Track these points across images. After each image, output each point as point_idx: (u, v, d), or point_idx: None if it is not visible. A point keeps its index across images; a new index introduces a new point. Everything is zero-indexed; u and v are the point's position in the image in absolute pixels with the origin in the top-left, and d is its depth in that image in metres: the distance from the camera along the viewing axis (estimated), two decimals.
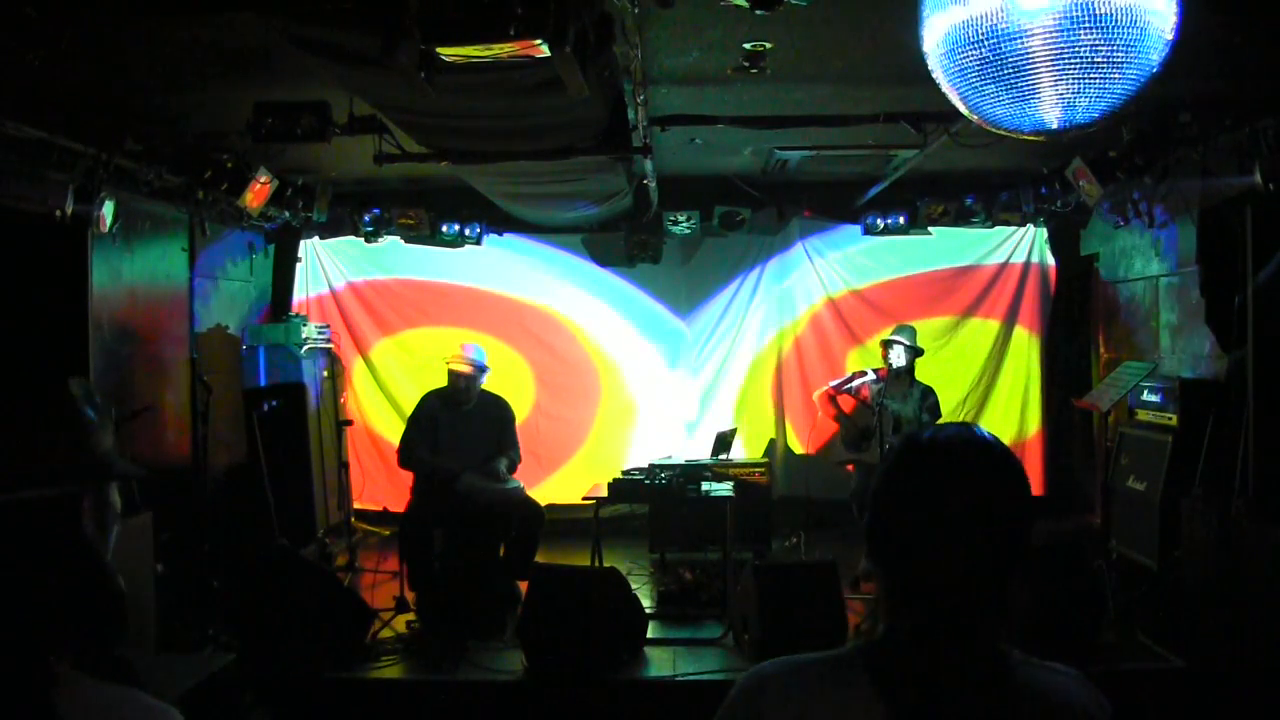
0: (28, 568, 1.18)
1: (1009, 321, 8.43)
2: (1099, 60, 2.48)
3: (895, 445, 1.36)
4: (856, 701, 1.24)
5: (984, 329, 8.42)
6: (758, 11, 3.46)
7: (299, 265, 8.21)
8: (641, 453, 7.94)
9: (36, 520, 1.20)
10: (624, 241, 8.00)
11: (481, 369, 6.34)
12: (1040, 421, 8.47)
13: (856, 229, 8.12)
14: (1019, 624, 4.91)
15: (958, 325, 8.40)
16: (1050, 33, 2.46)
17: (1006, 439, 8.29)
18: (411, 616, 5.60)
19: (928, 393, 6.37)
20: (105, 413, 1.42)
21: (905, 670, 1.24)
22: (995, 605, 1.26)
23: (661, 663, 5.02)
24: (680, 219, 7.80)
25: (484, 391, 6.44)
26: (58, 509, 1.24)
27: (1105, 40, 2.45)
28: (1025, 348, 8.47)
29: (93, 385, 1.37)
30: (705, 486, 6.20)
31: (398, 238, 8.08)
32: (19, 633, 1.16)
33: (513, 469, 6.32)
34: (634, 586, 5.42)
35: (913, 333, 6.51)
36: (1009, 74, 2.55)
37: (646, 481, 6.25)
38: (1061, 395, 8.20)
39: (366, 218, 7.86)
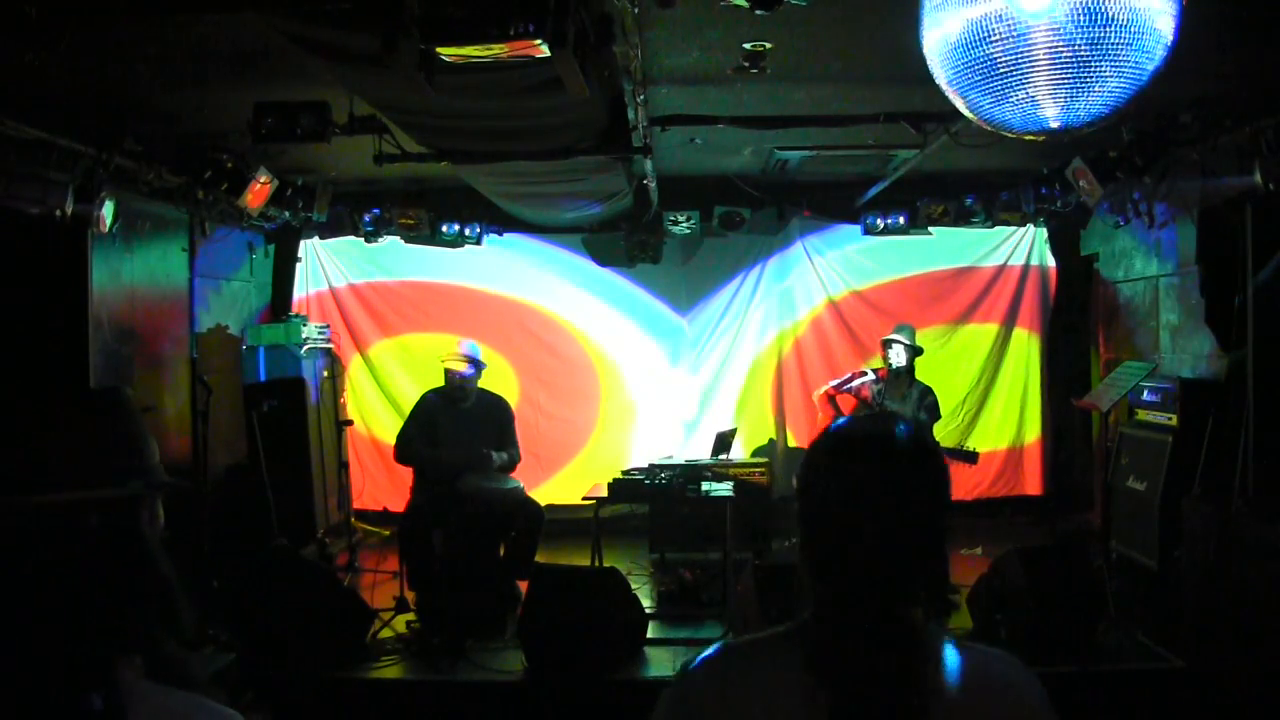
0: (91, 567, 1.17)
1: (1008, 323, 8.43)
2: (1099, 60, 2.48)
3: (822, 435, 1.41)
4: (786, 674, 1.28)
5: (983, 330, 8.43)
6: (758, 11, 3.46)
7: (299, 265, 8.21)
8: (641, 453, 7.95)
9: (96, 519, 1.20)
10: (624, 241, 8.00)
11: (478, 365, 6.34)
12: (1040, 422, 8.47)
13: (856, 229, 8.13)
14: (1019, 624, 4.91)
15: (957, 327, 8.40)
16: (1050, 33, 2.46)
17: (1006, 440, 8.43)
18: (411, 616, 5.60)
19: (926, 392, 6.37)
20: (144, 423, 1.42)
21: (828, 639, 1.28)
22: (913, 580, 1.31)
23: (661, 663, 5.02)
24: (680, 219, 7.80)
25: (483, 390, 6.44)
26: (116, 508, 1.24)
27: (1105, 40, 2.45)
28: (1025, 349, 8.47)
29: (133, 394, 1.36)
30: (705, 486, 6.20)
31: (398, 238, 8.08)
32: (86, 636, 1.14)
33: (511, 465, 6.32)
34: (634, 586, 5.42)
35: (912, 332, 6.50)
36: (1009, 74, 2.55)
37: (646, 481, 6.25)
38: (1061, 395, 8.20)
39: (366, 218, 7.86)
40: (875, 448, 1.34)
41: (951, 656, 1.31)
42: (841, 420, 1.43)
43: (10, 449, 1.15)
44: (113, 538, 1.21)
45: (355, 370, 8.41)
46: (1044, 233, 8.31)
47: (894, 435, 1.35)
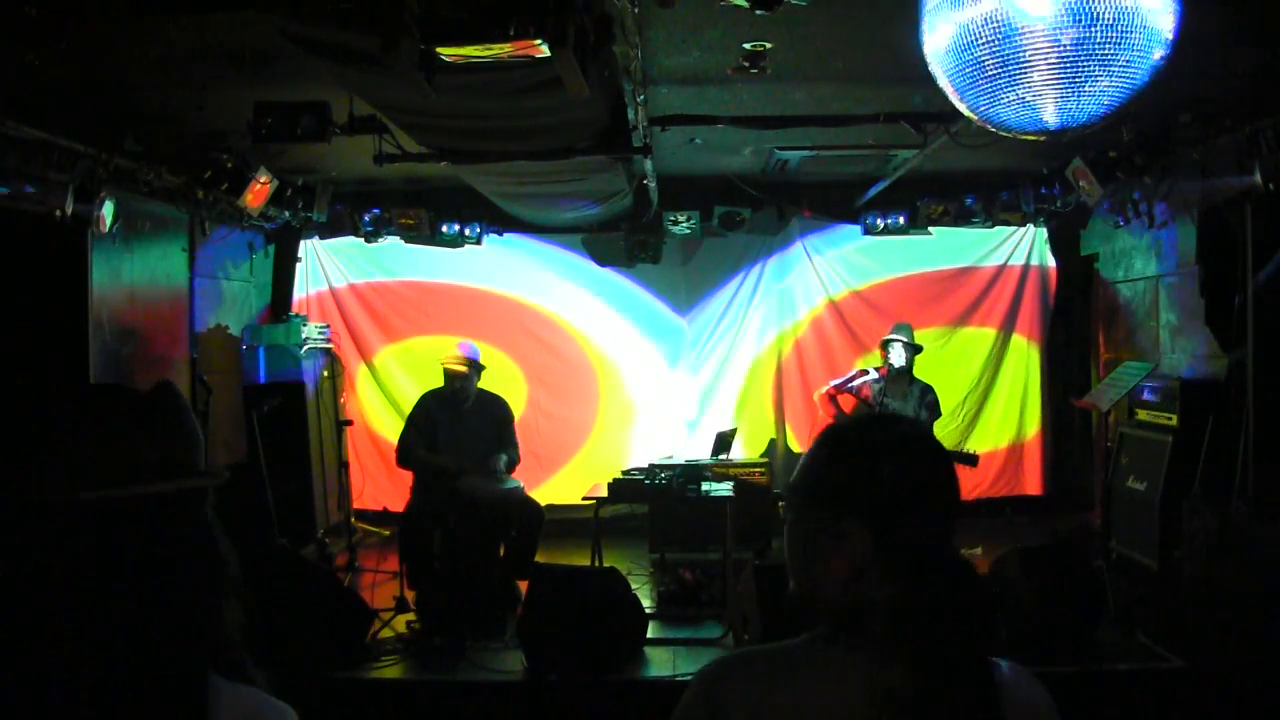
0: (166, 563, 1.16)
1: (1008, 323, 8.43)
2: (1099, 60, 2.48)
3: (828, 431, 1.41)
4: (830, 683, 1.26)
5: (981, 334, 8.43)
6: (758, 11, 3.46)
7: (299, 265, 8.21)
8: (641, 453, 7.95)
9: (166, 513, 1.19)
10: (624, 241, 8.00)
11: (477, 366, 6.34)
12: (1040, 423, 8.47)
13: (856, 229, 8.13)
14: (1019, 624, 4.91)
15: (957, 327, 8.40)
16: (1050, 33, 2.46)
17: (1006, 440, 8.43)
18: (411, 616, 5.59)
19: (926, 390, 6.37)
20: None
21: (888, 638, 1.25)
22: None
23: (661, 663, 5.02)
24: (680, 219, 7.80)
25: (482, 390, 6.44)
26: (183, 502, 1.23)
27: (1105, 41, 2.45)
28: (1024, 350, 8.47)
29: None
30: (705, 486, 6.19)
31: (398, 238, 8.08)
32: (173, 636, 1.13)
33: (512, 467, 6.31)
34: (634, 586, 5.41)
35: (910, 330, 6.50)
36: (1009, 74, 2.56)
37: (646, 481, 6.25)
38: (1061, 395, 8.20)
39: (366, 218, 7.86)
40: (922, 444, 1.38)
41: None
42: (865, 416, 1.45)
43: (81, 446, 1.14)
44: (190, 530, 1.21)
45: (356, 373, 8.41)
46: (1044, 233, 8.31)
47: (928, 434, 1.41)
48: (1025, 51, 2.50)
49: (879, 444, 1.35)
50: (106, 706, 1.07)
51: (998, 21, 2.51)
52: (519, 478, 6.38)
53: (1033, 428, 8.48)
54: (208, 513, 1.27)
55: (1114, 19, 2.43)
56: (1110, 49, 2.46)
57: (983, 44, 2.55)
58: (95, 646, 1.08)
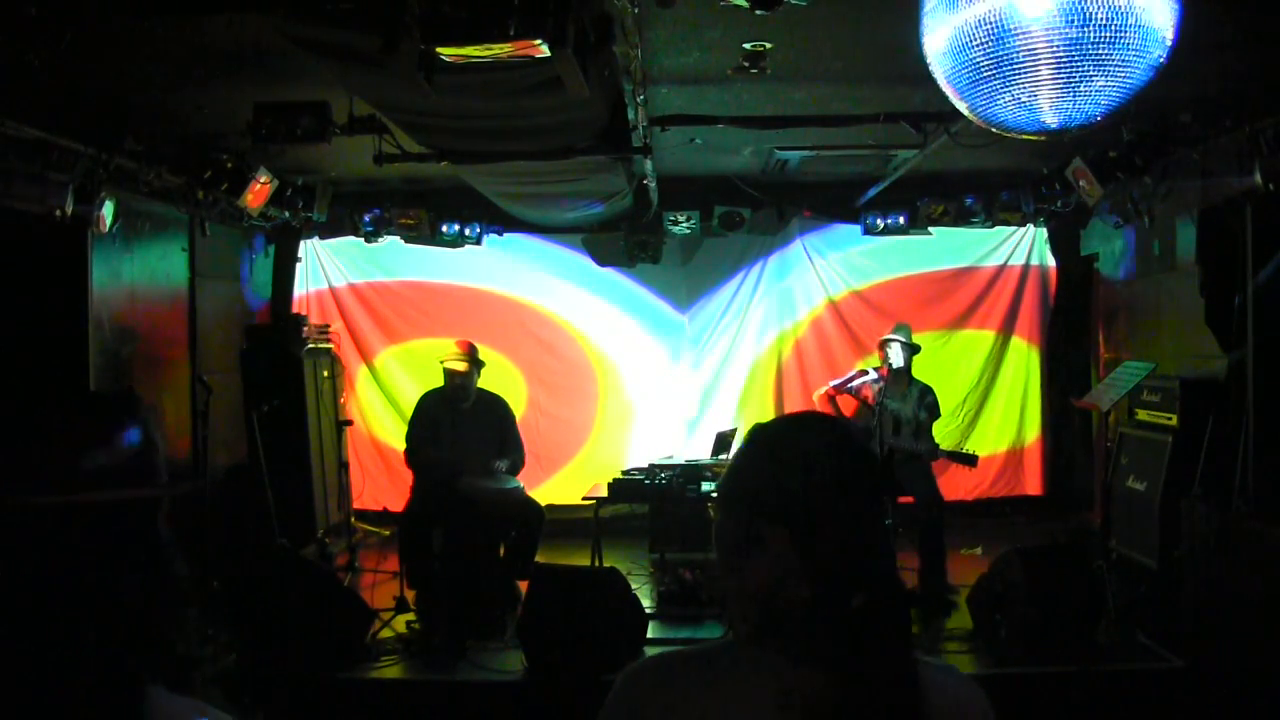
0: (112, 569, 1.15)
1: (1008, 323, 8.44)
2: (1099, 60, 2.48)
3: (753, 432, 1.40)
4: (744, 684, 1.25)
5: (981, 334, 8.42)
6: (758, 11, 3.46)
7: (299, 265, 8.22)
8: (642, 452, 7.94)
9: (116, 521, 1.19)
10: (624, 241, 7.99)
11: (477, 364, 6.34)
12: (1040, 424, 8.47)
13: (856, 229, 8.12)
14: (1019, 624, 4.91)
15: (957, 328, 8.40)
16: (1050, 33, 2.46)
17: (1006, 441, 8.42)
18: (411, 616, 5.60)
19: (925, 391, 6.37)
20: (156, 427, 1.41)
21: (804, 642, 1.24)
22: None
23: None
24: (680, 219, 7.80)
25: (482, 390, 6.44)
26: (135, 510, 1.23)
27: (1105, 41, 2.45)
28: (1024, 350, 8.48)
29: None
30: (705, 486, 6.19)
31: (398, 238, 8.07)
32: (111, 642, 1.13)
33: (515, 470, 6.31)
34: (634, 586, 5.41)
35: (908, 330, 6.50)
36: (1009, 74, 2.56)
37: (646, 481, 6.25)
38: (1061, 395, 8.20)
39: (366, 218, 7.86)
40: (846, 447, 1.34)
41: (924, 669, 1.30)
42: (792, 415, 1.44)
43: (36, 450, 1.14)
44: (139, 539, 1.21)
45: (356, 373, 8.41)
46: (1044, 233, 8.31)
47: (853, 436, 1.37)
48: (1022, 52, 2.50)
49: (800, 447, 1.32)
50: (38, 711, 1.07)
51: (994, 22, 2.51)
52: (519, 477, 6.38)
53: (1033, 428, 8.48)
54: (160, 525, 1.26)
55: (1108, 19, 2.43)
56: (1105, 49, 2.46)
57: (980, 44, 2.55)
58: (29, 651, 1.08)
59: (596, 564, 5.85)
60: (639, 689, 1.33)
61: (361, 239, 8.03)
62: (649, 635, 5.23)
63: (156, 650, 1.19)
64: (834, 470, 1.29)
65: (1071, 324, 8.24)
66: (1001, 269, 8.40)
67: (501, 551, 6.14)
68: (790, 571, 1.27)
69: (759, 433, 1.39)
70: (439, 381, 6.39)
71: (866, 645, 1.22)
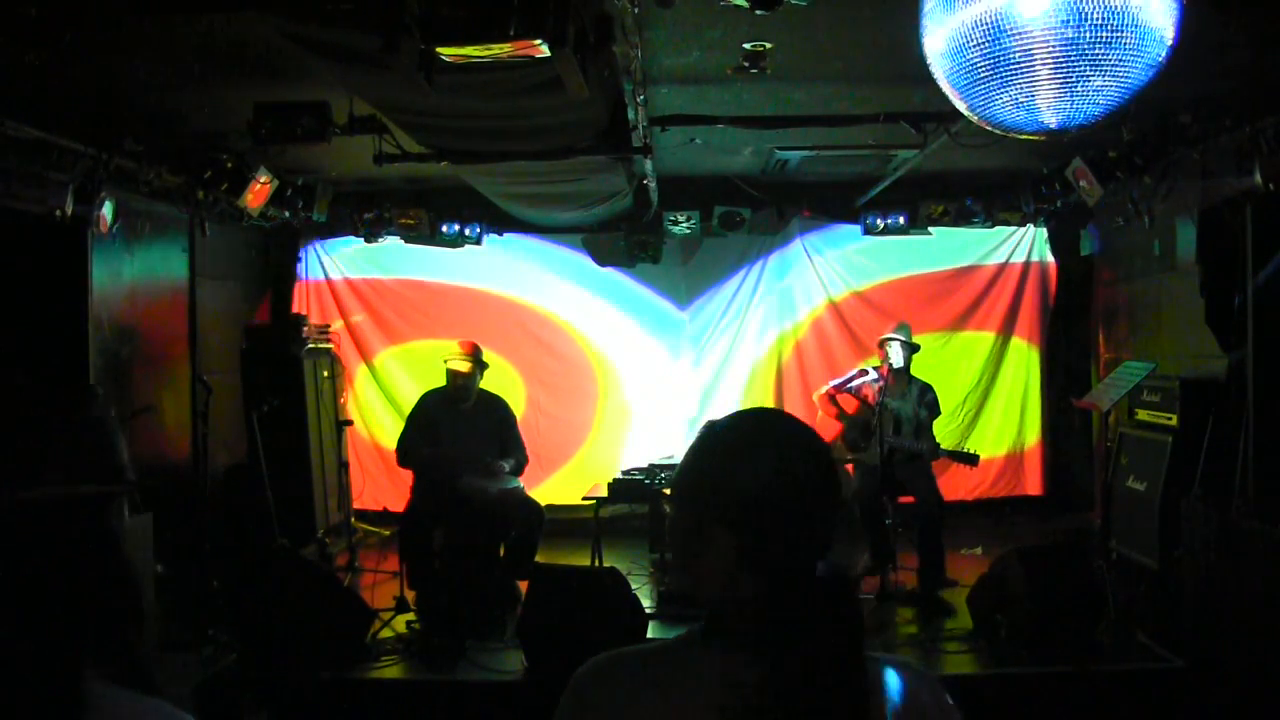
0: (59, 564, 1.15)
1: (1007, 325, 8.44)
2: (1099, 60, 2.48)
3: (705, 427, 1.38)
4: (690, 682, 1.25)
5: (981, 334, 8.43)
6: (758, 11, 3.47)
7: (299, 265, 8.22)
8: (642, 451, 7.94)
9: (65, 516, 1.19)
10: (624, 241, 7.99)
11: (480, 365, 6.34)
12: (1040, 425, 8.47)
13: (856, 229, 8.13)
14: (1019, 624, 4.91)
15: (957, 328, 8.40)
16: (1050, 33, 2.46)
17: (1006, 441, 8.42)
18: (411, 616, 5.60)
19: (925, 390, 6.37)
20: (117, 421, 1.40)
21: (749, 639, 1.24)
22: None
23: None
24: (680, 219, 7.81)
25: (482, 391, 6.44)
26: (84, 505, 1.23)
27: (1105, 41, 2.45)
28: (1024, 352, 8.48)
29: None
30: None
31: (398, 238, 8.08)
32: (53, 634, 1.12)
33: (518, 471, 6.30)
34: (634, 586, 5.41)
35: (908, 329, 6.50)
36: (1009, 74, 2.55)
37: (646, 481, 6.25)
38: (1061, 396, 8.20)
39: (366, 218, 7.86)
40: (795, 444, 1.33)
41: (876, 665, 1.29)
42: (742, 411, 1.41)
43: None
44: (89, 535, 1.21)
45: (356, 373, 8.41)
46: (1044, 233, 8.31)
47: (801, 432, 1.35)
48: (1020, 52, 2.50)
49: (749, 446, 1.31)
50: None
51: (991, 23, 2.51)
52: (520, 478, 6.38)
53: (1033, 429, 8.48)
54: (111, 520, 1.26)
55: (1104, 19, 2.43)
56: (1101, 49, 2.46)
57: (978, 45, 2.55)
58: None
59: (596, 564, 5.85)
60: (589, 687, 1.33)
61: (361, 239, 8.03)
62: (649, 635, 5.23)
63: (107, 646, 1.18)
64: (781, 470, 1.28)
65: (1071, 324, 8.24)
66: (1001, 269, 8.41)
67: (501, 551, 6.14)
68: (736, 571, 1.27)
69: (709, 430, 1.37)
70: (439, 382, 6.38)
71: (810, 644, 1.22)
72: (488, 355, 6.59)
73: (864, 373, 6.55)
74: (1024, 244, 8.38)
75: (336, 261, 8.41)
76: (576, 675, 1.35)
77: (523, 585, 5.37)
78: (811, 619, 1.23)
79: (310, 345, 7.53)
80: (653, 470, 6.54)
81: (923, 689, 1.31)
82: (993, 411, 8.45)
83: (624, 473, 6.51)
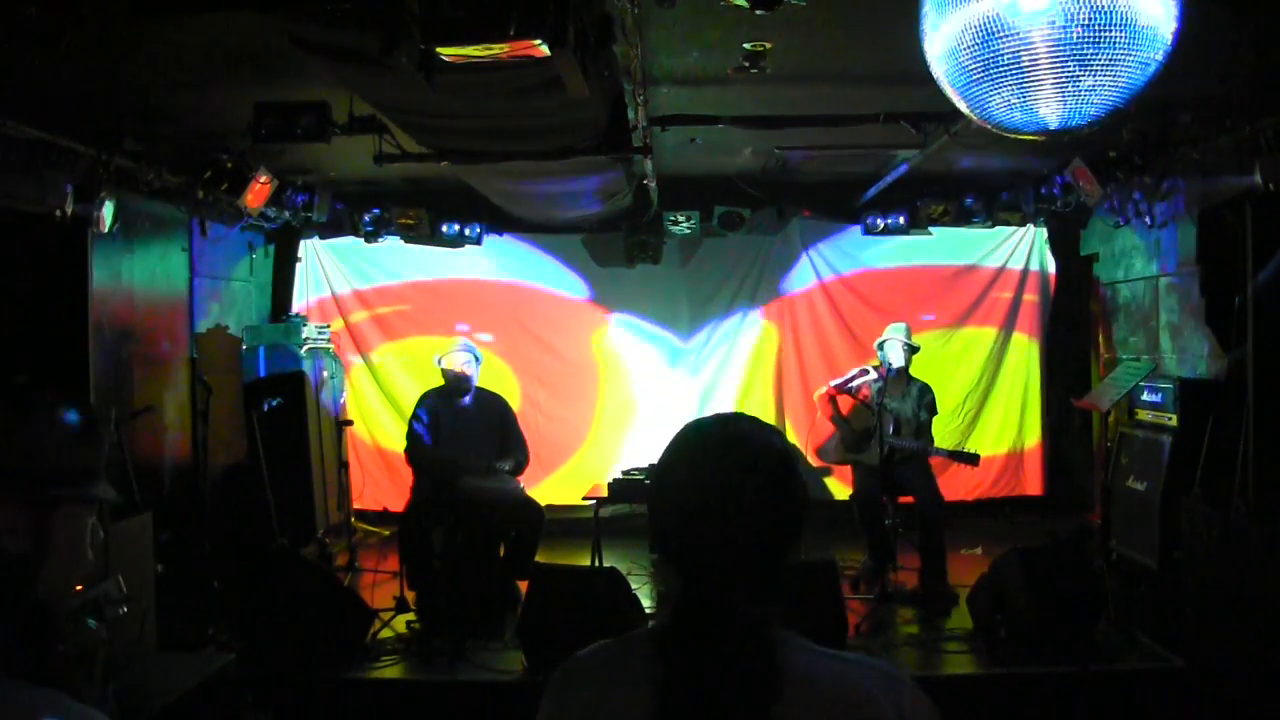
0: None
1: (1008, 326, 8.44)
2: (1099, 60, 2.48)
3: (666, 448, 1.43)
4: (633, 680, 1.29)
5: (981, 334, 8.43)
6: (758, 12, 3.46)
7: (299, 265, 8.22)
8: (641, 453, 7.94)
9: None
10: (624, 242, 8.00)
11: (475, 360, 6.34)
12: (1040, 425, 8.47)
13: (856, 229, 8.13)
14: (1019, 624, 4.91)
15: (957, 328, 8.40)
16: (1050, 33, 2.46)
17: (1006, 441, 8.41)
18: (411, 616, 5.60)
19: (925, 390, 6.37)
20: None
21: (672, 645, 1.28)
22: (758, 587, 1.31)
23: None
24: (680, 219, 7.80)
25: (482, 389, 6.44)
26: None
27: (1105, 41, 2.45)
28: (1024, 351, 8.48)
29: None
30: None
31: (398, 238, 8.08)
32: None
33: (519, 469, 6.30)
34: (634, 586, 5.41)
35: (907, 329, 6.50)
36: (1009, 74, 2.55)
37: (646, 481, 6.24)
38: (1061, 395, 8.20)
39: (366, 218, 7.86)
40: (720, 445, 1.37)
41: (804, 663, 1.28)
42: (703, 418, 1.46)
43: None
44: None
45: (356, 374, 8.41)
46: (1044, 233, 8.31)
47: (745, 431, 1.39)
48: (1025, 51, 2.50)
49: (683, 475, 1.37)
50: None
51: (989, 23, 2.51)
52: (520, 478, 6.38)
53: (1033, 429, 8.48)
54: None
55: (1115, 19, 2.43)
56: (1090, 49, 2.46)
57: (983, 43, 2.55)
58: None
59: (596, 564, 5.85)
60: (562, 690, 1.40)
61: (361, 239, 8.02)
62: None
63: (23, 642, 1.18)
64: (707, 497, 1.31)
65: (1071, 324, 8.24)
66: (1001, 269, 8.40)
67: (501, 552, 6.14)
68: (671, 584, 1.33)
69: (665, 452, 1.42)
70: (439, 381, 6.39)
71: (714, 660, 1.25)
72: (487, 355, 6.60)
73: (864, 373, 6.54)
74: (1024, 244, 8.38)
75: (336, 261, 8.41)
76: (555, 675, 1.42)
77: (523, 585, 5.37)
78: (707, 648, 1.26)
79: (310, 345, 7.53)
80: (652, 470, 6.53)
81: (872, 682, 1.28)
82: (993, 411, 8.45)
83: (624, 473, 6.50)
